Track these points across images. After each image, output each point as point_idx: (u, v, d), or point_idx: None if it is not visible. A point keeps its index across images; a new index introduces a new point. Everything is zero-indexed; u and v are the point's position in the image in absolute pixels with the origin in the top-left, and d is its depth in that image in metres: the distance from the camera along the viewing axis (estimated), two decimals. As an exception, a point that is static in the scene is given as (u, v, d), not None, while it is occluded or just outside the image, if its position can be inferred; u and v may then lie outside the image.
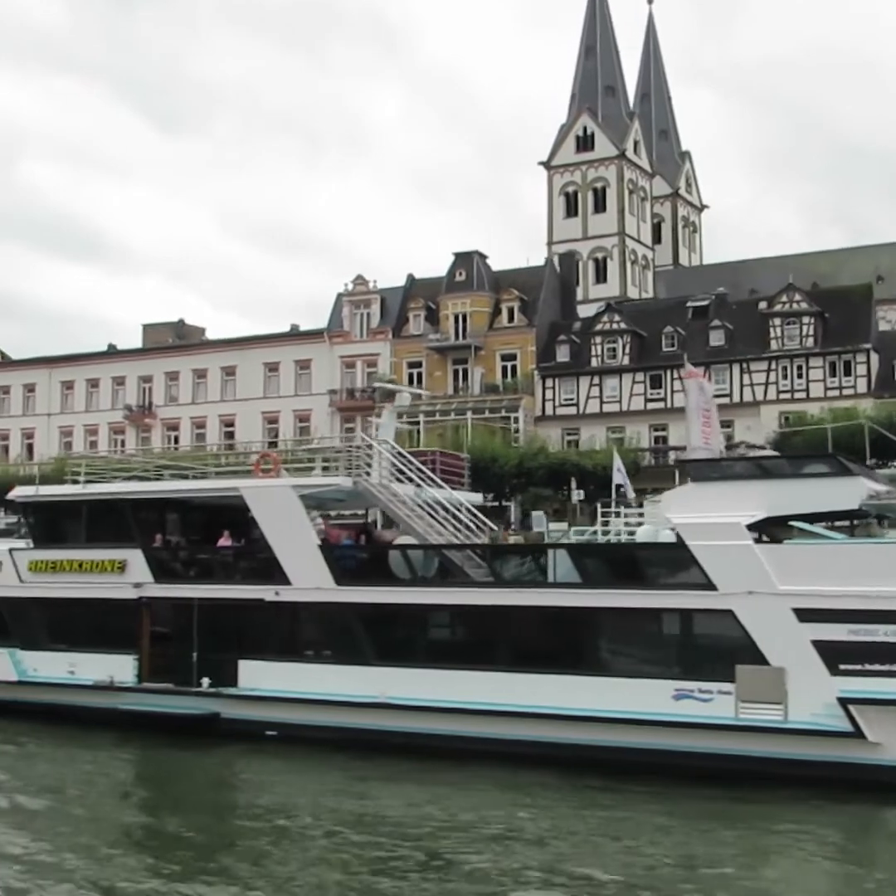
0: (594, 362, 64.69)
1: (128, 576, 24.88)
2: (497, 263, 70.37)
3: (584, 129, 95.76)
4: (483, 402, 64.92)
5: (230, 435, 73.26)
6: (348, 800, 19.16)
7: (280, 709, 22.56)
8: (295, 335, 73.25)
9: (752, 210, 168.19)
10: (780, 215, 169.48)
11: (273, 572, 23.20)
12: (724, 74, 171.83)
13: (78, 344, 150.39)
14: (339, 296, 72.74)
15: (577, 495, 45.81)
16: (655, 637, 20.45)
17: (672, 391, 62.48)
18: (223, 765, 22.54)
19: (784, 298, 61.46)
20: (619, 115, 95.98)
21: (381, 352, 70.02)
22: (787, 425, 56.47)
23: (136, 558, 24.86)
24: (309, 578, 22.70)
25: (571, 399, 65.05)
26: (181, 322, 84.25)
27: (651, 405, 63.13)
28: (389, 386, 27.91)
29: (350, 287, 71.77)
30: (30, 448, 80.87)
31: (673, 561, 20.34)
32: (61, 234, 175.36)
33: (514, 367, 66.79)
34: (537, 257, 77.54)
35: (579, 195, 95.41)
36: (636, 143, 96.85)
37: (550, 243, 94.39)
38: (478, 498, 26.72)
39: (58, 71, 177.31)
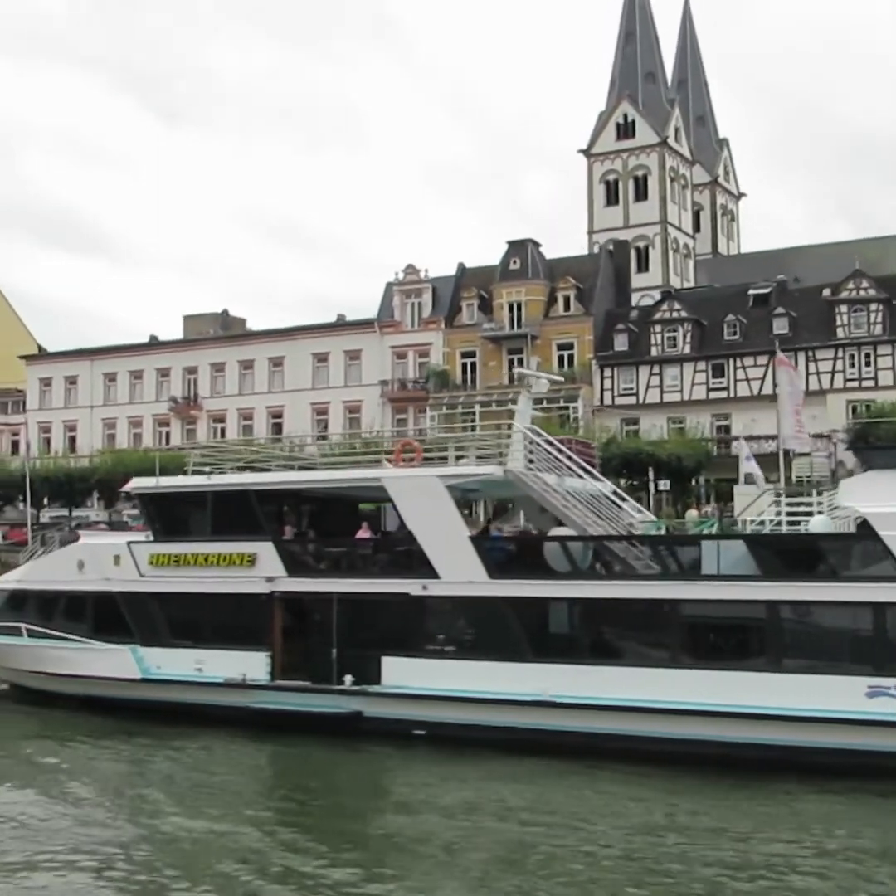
0: (654, 351, 63.66)
1: (258, 569, 23.98)
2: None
3: (625, 117, 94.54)
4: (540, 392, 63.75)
5: (278, 427, 72.38)
6: (505, 801, 18.32)
7: (429, 707, 21.66)
8: (344, 325, 72.29)
9: (762, 200, 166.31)
10: (788, 206, 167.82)
11: (419, 565, 22.30)
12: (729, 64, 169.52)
13: (82, 338, 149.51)
14: (389, 285, 71.72)
15: (661, 485, 44.82)
16: (845, 632, 19.51)
17: (735, 380, 61.53)
18: (367, 765, 21.72)
19: (851, 285, 60.36)
20: (659, 102, 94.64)
21: (433, 341, 69.02)
22: (856, 415, 55.56)
23: (267, 551, 23.96)
24: (460, 572, 21.80)
25: (631, 388, 64.06)
26: (225, 312, 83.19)
27: (713, 395, 62.07)
28: (529, 372, 26.93)
29: (400, 276, 70.73)
30: (72, 440, 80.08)
31: (862, 552, 19.45)
32: (62, 226, 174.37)
33: (570, 357, 65.81)
34: (559, 248, 76.62)
35: (620, 183, 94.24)
36: (677, 130, 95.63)
37: (591, 232, 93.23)
38: (610, 487, 25.79)
39: (58, 62, 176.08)
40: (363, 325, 71.08)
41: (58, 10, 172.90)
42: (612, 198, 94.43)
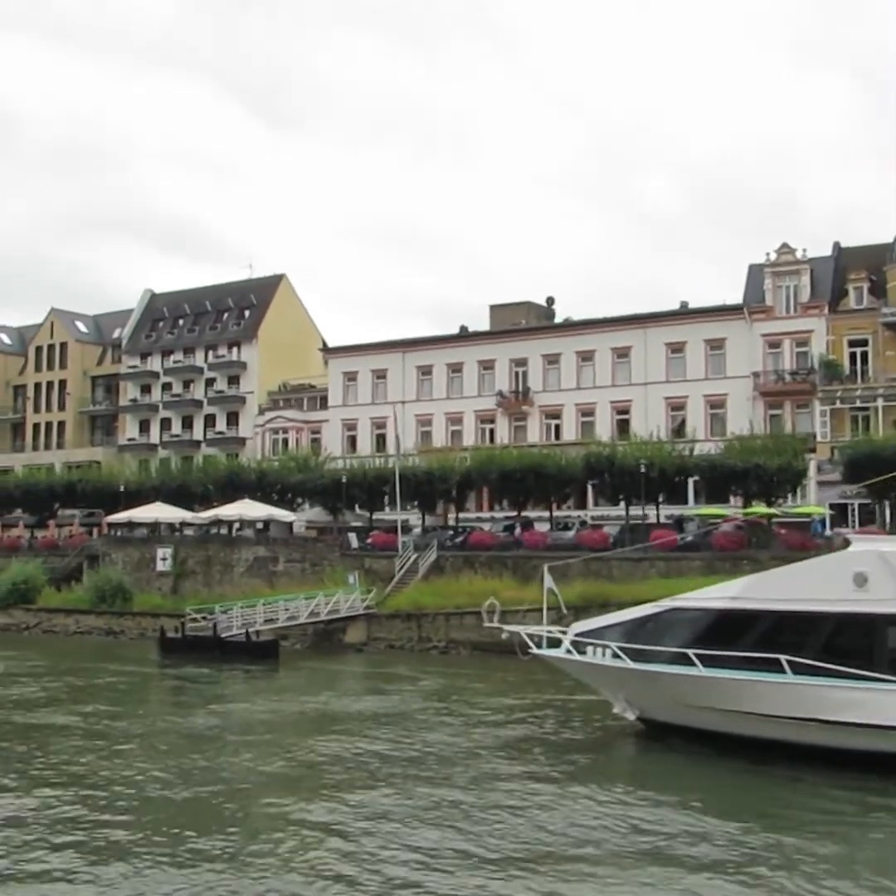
0: None
1: None
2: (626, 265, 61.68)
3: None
4: None
5: (623, 423, 66.22)
6: None
7: None
8: (705, 311, 65.42)
9: None
10: None
11: None
12: None
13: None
14: (753, 267, 64.84)
15: None
16: None
17: None
18: None
19: None
20: None
21: (815, 328, 61.81)
22: None
23: None
24: None
25: None
26: (550, 300, 77.42)
27: None
28: None
29: (772, 256, 63.74)
30: (380, 438, 75.06)
31: None
32: (174, 233, 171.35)
33: None
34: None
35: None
36: None
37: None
38: None
39: (166, 70, 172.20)
40: (726, 311, 64.30)
41: (165, 18, 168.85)
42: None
